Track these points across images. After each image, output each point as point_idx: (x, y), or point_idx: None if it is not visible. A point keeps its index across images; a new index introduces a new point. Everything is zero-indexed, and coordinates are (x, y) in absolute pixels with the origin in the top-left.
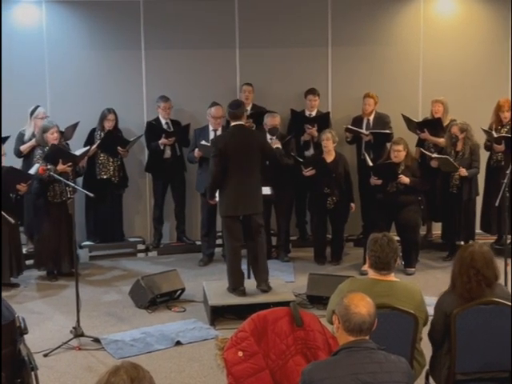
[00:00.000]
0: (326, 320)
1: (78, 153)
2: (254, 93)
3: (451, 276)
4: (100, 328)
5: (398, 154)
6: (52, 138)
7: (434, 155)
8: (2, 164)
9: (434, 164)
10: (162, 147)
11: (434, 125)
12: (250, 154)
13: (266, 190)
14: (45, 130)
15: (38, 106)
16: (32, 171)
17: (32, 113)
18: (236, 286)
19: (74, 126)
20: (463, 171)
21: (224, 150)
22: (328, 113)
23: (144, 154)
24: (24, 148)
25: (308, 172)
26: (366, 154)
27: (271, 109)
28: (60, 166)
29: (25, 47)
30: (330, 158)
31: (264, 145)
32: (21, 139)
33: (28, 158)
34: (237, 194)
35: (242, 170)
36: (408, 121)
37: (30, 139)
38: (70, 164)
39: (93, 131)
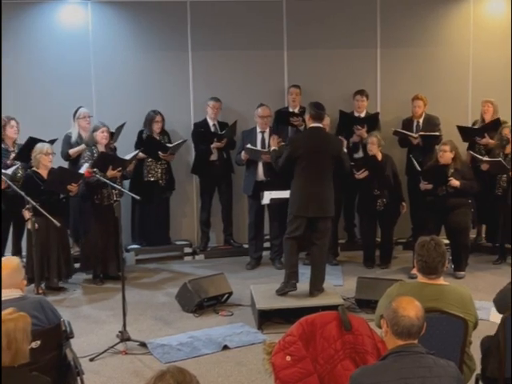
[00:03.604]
0: (374, 324)
1: (127, 157)
2: (301, 94)
3: None
4: (146, 332)
5: (443, 154)
6: (101, 136)
7: (485, 158)
8: (51, 165)
9: (484, 167)
10: (212, 150)
11: (492, 127)
12: (323, 158)
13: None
14: (95, 129)
15: (80, 107)
16: (82, 171)
17: (75, 114)
18: (289, 271)
19: (121, 126)
20: None
21: (298, 150)
22: (377, 113)
23: (191, 156)
24: (73, 152)
25: (361, 174)
26: (414, 159)
27: None
28: (110, 172)
29: (70, 48)
30: None
31: (340, 152)
32: (68, 142)
33: (75, 162)
34: (307, 195)
35: (314, 172)
36: (463, 131)
37: (77, 141)
38: (119, 169)
39: (141, 133)
